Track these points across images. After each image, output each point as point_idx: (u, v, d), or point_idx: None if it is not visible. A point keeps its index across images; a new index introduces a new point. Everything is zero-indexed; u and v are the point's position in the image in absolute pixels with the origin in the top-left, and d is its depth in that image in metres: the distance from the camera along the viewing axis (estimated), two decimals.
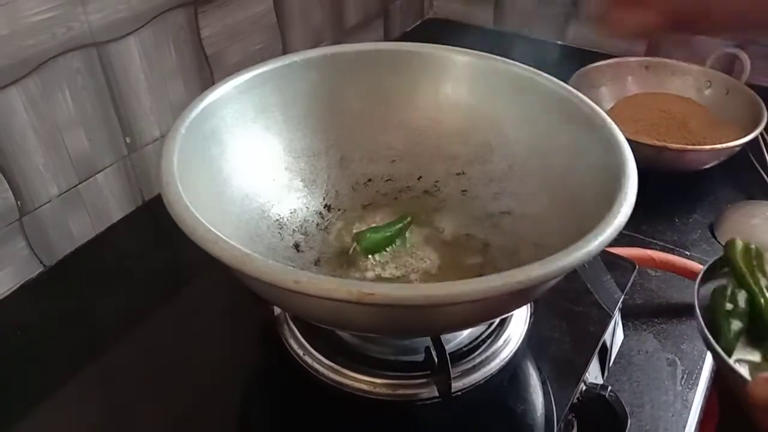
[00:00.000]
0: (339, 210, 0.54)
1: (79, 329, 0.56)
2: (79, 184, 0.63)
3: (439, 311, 0.35)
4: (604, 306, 0.53)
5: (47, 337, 0.55)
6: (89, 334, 0.56)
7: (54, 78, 0.57)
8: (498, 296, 0.33)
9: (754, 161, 0.77)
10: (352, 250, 0.51)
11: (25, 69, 0.55)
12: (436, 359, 0.43)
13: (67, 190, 0.62)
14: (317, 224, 0.53)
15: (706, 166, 0.73)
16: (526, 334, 0.50)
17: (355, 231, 0.53)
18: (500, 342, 0.48)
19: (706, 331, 0.43)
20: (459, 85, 0.54)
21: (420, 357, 0.45)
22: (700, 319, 0.44)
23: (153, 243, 0.66)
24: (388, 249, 0.52)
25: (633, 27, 0.40)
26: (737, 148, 0.72)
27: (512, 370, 0.48)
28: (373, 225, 0.53)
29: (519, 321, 0.50)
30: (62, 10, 0.56)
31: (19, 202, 0.58)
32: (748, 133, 0.71)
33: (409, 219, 0.53)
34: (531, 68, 0.51)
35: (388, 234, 0.52)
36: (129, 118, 0.65)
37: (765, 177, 0.75)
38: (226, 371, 0.51)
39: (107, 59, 0.61)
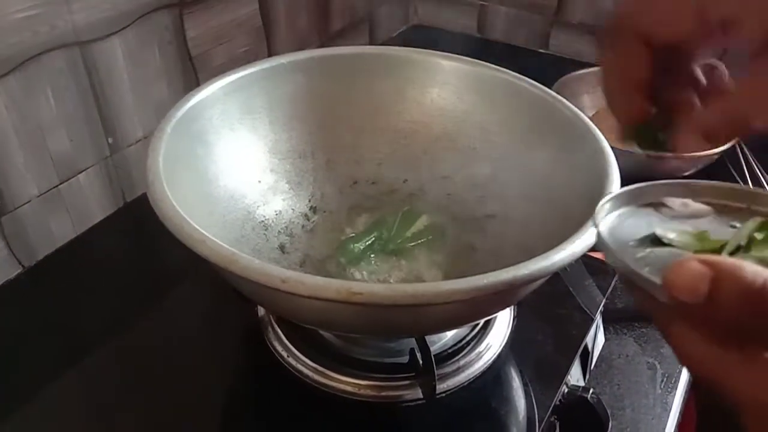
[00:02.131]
0: (324, 212, 0.55)
1: (59, 331, 0.55)
2: (60, 184, 0.62)
3: (427, 311, 0.35)
4: (586, 309, 0.54)
5: (26, 339, 0.54)
6: (69, 336, 0.55)
7: (36, 77, 0.57)
8: (485, 296, 0.33)
9: (732, 169, 0.79)
10: (343, 262, 0.51)
11: (7, 67, 0.54)
12: (420, 361, 0.43)
13: (47, 191, 0.61)
14: (303, 226, 0.53)
15: (686, 174, 0.75)
16: (509, 336, 0.50)
17: (336, 247, 0.53)
18: (484, 344, 0.49)
19: (607, 242, 0.30)
20: (445, 90, 0.54)
21: (404, 359, 0.45)
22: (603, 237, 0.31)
23: (134, 244, 0.66)
24: (373, 254, 0.52)
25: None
26: (716, 156, 0.73)
27: (496, 373, 0.48)
28: (352, 234, 0.54)
29: (502, 324, 0.51)
30: (46, 9, 0.55)
31: None
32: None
33: (386, 224, 0.53)
34: (516, 74, 0.52)
35: (368, 242, 0.52)
36: (112, 118, 0.65)
37: (742, 184, 0.77)
38: (210, 374, 0.50)
39: (91, 59, 0.61)
